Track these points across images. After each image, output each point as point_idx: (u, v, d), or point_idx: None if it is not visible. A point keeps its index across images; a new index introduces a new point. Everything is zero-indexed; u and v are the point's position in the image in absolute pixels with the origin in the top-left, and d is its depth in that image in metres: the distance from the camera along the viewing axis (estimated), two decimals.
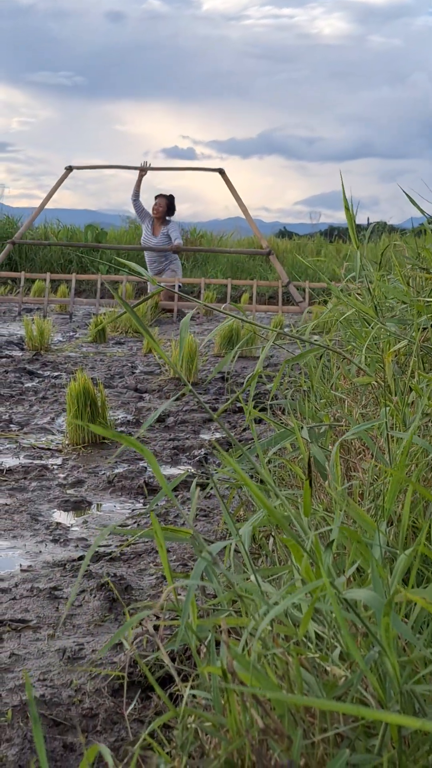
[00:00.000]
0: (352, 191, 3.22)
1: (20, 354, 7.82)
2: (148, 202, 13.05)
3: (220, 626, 1.28)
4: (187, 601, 1.33)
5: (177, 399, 5.76)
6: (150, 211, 12.94)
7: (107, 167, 14.34)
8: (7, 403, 5.46)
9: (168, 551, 2.85)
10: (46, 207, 13.25)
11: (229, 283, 11.83)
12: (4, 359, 7.35)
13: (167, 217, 12.93)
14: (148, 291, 12.28)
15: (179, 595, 2.17)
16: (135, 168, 13.05)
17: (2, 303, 12.51)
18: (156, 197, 12.98)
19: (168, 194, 13.02)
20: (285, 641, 1.31)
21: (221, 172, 12.38)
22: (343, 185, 3.14)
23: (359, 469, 2.38)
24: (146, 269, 11.43)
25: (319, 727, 1.15)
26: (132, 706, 1.84)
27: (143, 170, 12.86)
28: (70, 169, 12.94)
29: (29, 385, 6.21)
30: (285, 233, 27.95)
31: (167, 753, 1.34)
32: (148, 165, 12.88)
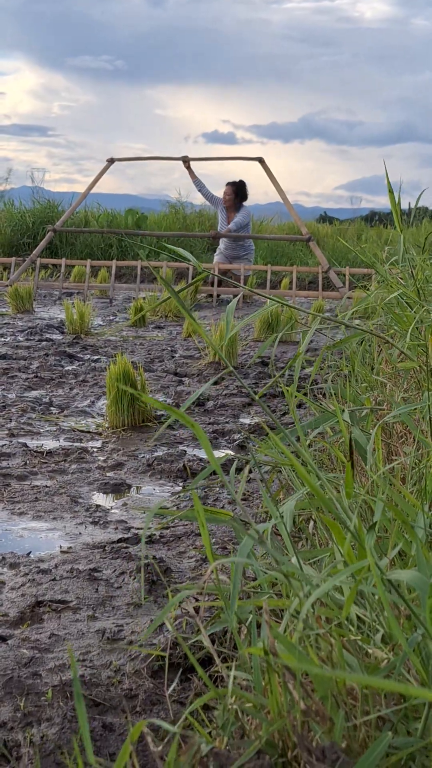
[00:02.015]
0: (393, 176, 3.20)
1: (60, 337, 7.85)
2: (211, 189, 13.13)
3: (261, 607, 1.27)
4: (235, 579, 1.32)
5: (217, 382, 5.75)
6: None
7: (147, 159, 14.37)
8: (48, 386, 5.48)
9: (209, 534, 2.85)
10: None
11: (269, 269, 11.80)
12: (44, 343, 7.38)
13: (241, 203, 12.95)
14: (191, 275, 12.28)
15: (219, 578, 2.17)
16: (174, 159, 13.06)
17: (43, 288, 12.57)
18: (226, 185, 13.01)
19: (237, 181, 13.01)
20: (327, 623, 1.30)
21: (261, 161, 12.35)
22: (386, 169, 3.11)
23: (401, 453, 2.36)
24: (221, 253, 11.41)
25: (361, 709, 1.14)
26: (172, 687, 1.84)
27: (185, 161, 12.87)
28: (111, 161, 12.99)
29: (69, 368, 6.23)
30: (325, 218, 27.82)
31: (208, 733, 1.33)
32: (187, 156, 12.87)
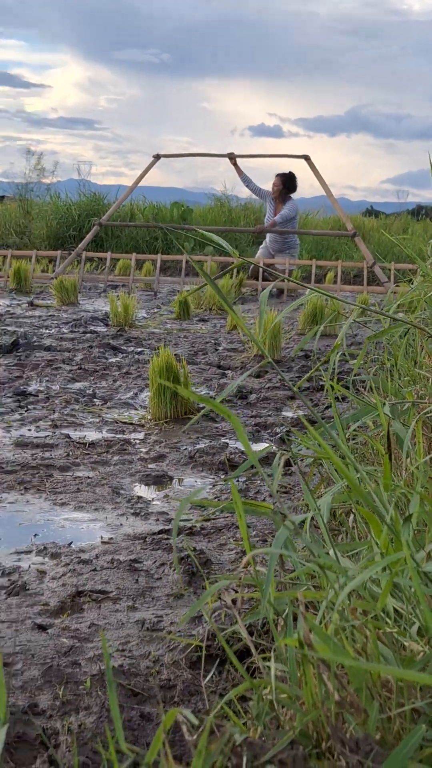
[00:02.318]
0: None
1: (105, 330, 7.89)
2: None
3: (297, 599, 1.27)
4: (270, 570, 1.32)
5: (259, 375, 5.75)
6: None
7: (193, 155, 14.44)
8: (92, 378, 5.51)
9: (248, 527, 2.85)
10: (130, 185, 13.36)
11: (314, 263, 11.77)
12: (89, 335, 7.42)
13: (289, 195, 12.96)
14: (236, 270, 12.30)
15: (258, 570, 2.17)
16: (220, 155, 13.12)
17: (88, 280, 12.64)
18: (275, 176, 13.03)
19: (286, 172, 13.01)
20: (363, 616, 1.30)
21: (307, 158, 12.36)
22: None
23: None
24: (266, 246, 11.44)
25: (396, 701, 1.13)
26: (209, 678, 1.85)
27: (231, 158, 12.89)
28: (158, 157, 13.06)
29: (113, 360, 6.26)
30: (371, 212, 27.68)
31: (243, 723, 1.34)
32: (233, 153, 12.89)
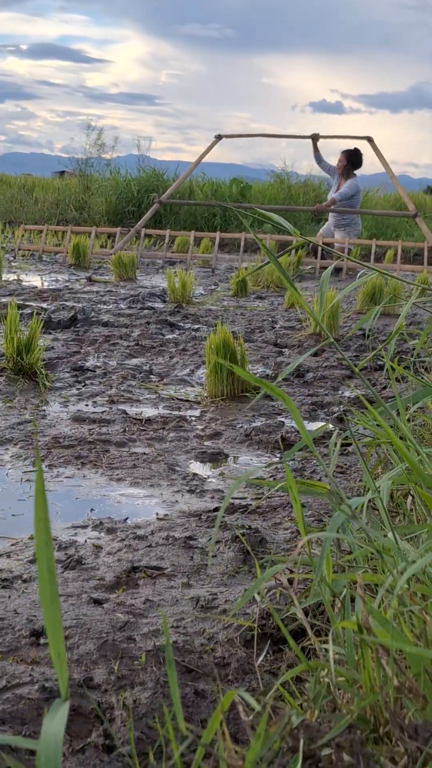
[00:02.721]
0: None
1: (162, 306, 7.90)
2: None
3: (355, 581, 1.25)
4: (323, 555, 1.31)
5: (317, 354, 5.72)
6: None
7: (255, 136, 14.40)
8: (149, 354, 5.52)
9: (304, 506, 2.84)
10: (190, 160, 13.38)
11: (374, 243, 11.69)
12: (146, 311, 7.43)
13: (352, 171, 12.95)
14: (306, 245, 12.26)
15: (314, 550, 2.16)
16: (282, 136, 13.20)
17: (146, 257, 12.67)
18: (341, 153, 13.01)
19: (351, 149, 12.98)
20: (422, 600, 1.28)
21: (370, 140, 12.30)
22: None
23: None
24: (327, 223, 11.44)
25: None
26: (263, 657, 1.84)
27: (315, 139, 12.90)
28: (219, 137, 13.07)
29: (170, 337, 6.26)
30: None
31: (299, 705, 1.33)
32: (317, 134, 12.89)
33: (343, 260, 10.99)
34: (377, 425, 2.28)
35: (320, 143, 12.95)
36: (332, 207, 12.73)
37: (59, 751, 0.72)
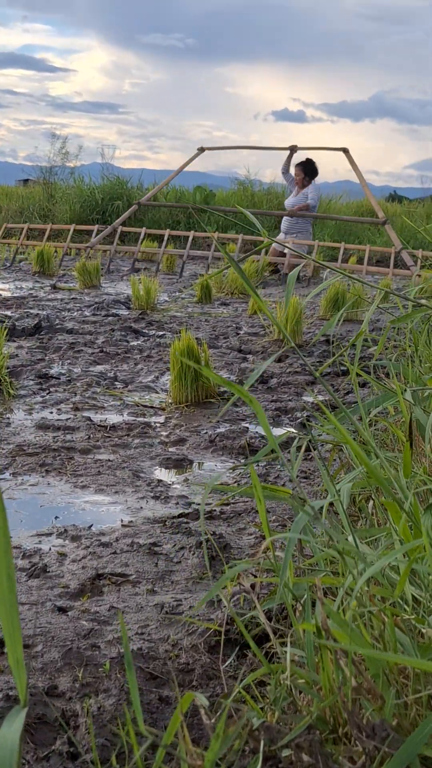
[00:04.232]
0: None
1: (126, 313, 7.89)
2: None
3: (315, 585, 1.27)
4: (287, 557, 1.33)
5: (281, 359, 5.74)
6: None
7: (237, 148, 14.56)
8: (113, 361, 5.52)
9: (268, 511, 2.85)
10: (154, 168, 13.52)
11: (342, 246, 11.77)
12: (111, 318, 7.43)
13: (311, 180, 13.08)
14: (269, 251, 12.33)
15: (277, 553, 2.17)
16: (262, 148, 13.37)
17: (121, 252, 12.88)
18: (295, 167, 13.13)
19: (303, 161, 13.11)
20: (381, 602, 1.30)
21: (345, 151, 12.52)
22: None
23: None
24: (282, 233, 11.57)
25: (413, 688, 1.13)
26: (228, 662, 1.85)
27: (294, 150, 13.07)
28: (202, 149, 13.25)
29: (135, 343, 6.26)
30: (395, 197, 27.57)
31: (261, 708, 1.34)
32: (296, 146, 13.08)
33: (305, 266, 11.07)
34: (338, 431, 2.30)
35: (279, 144, 13.14)
36: (306, 212, 12.84)
37: (15, 758, 0.72)
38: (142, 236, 12.48)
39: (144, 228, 12.71)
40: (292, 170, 13.26)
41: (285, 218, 13.15)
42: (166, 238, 12.09)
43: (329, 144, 12.82)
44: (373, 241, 16.59)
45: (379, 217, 12.34)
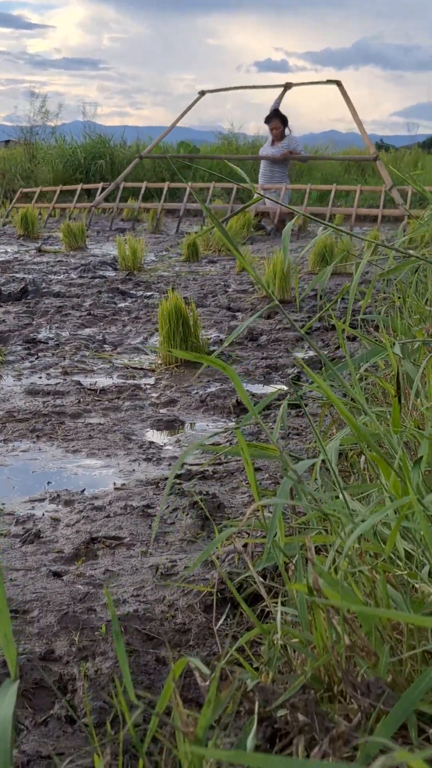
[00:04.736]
0: None
1: (113, 274, 7.86)
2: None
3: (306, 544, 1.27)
4: (274, 520, 1.32)
5: (269, 317, 5.72)
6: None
7: (236, 88, 14.49)
8: (101, 324, 5.50)
9: (260, 469, 2.85)
10: (137, 125, 13.51)
11: (334, 188, 11.77)
12: (97, 280, 7.39)
13: (286, 132, 13.04)
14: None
15: (269, 513, 2.17)
16: (259, 87, 13.37)
17: (122, 207, 12.88)
18: (272, 121, 12.99)
19: (271, 113, 13.02)
20: (374, 559, 1.30)
21: (338, 83, 12.50)
22: None
23: None
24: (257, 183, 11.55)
25: (407, 644, 1.14)
26: (224, 621, 1.86)
27: (288, 87, 13.05)
28: (203, 93, 13.21)
29: (122, 305, 6.24)
30: (381, 145, 27.40)
31: (255, 668, 1.35)
32: (290, 83, 13.07)
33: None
34: (330, 386, 2.30)
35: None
36: (297, 156, 12.86)
37: (8, 732, 0.72)
38: (142, 190, 12.50)
39: (145, 183, 12.71)
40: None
41: (264, 169, 13.10)
42: (165, 191, 12.13)
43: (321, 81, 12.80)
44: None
45: (371, 154, 12.34)
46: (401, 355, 2.20)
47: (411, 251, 4.79)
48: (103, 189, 13.02)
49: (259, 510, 1.50)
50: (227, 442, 3.25)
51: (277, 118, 13.01)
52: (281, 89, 13.20)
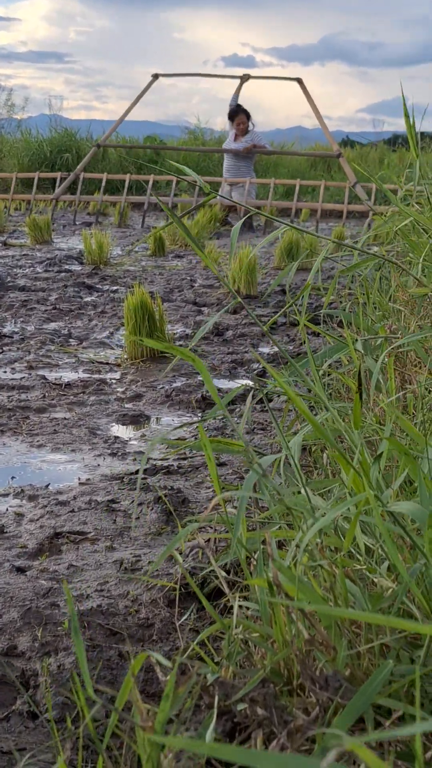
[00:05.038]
0: (414, 98, 3.16)
1: (79, 268, 7.84)
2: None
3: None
4: (239, 515, 1.33)
5: (235, 312, 5.73)
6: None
7: (191, 75, 14.46)
8: (67, 318, 5.49)
9: (225, 464, 2.87)
10: (102, 119, 13.44)
11: (298, 183, 11.84)
12: (63, 274, 7.37)
13: (250, 126, 13.05)
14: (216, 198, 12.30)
15: (231, 510, 2.18)
16: (216, 76, 13.33)
17: (83, 200, 12.82)
18: (238, 117, 12.95)
19: (236, 107, 13.01)
20: (334, 554, 1.31)
21: (299, 81, 12.49)
22: (402, 92, 3.06)
23: (415, 381, 2.35)
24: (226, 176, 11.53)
25: (365, 637, 1.15)
26: (187, 616, 1.87)
27: (245, 79, 13.05)
28: (156, 76, 13.11)
29: (88, 299, 6.23)
30: (347, 142, 27.45)
31: (216, 663, 1.36)
32: (248, 75, 13.05)
33: (258, 216, 11.05)
34: (294, 381, 2.31)
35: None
36: (261, 149, 12.87)
37: None
38: (103, 182, 12.40)
39: (105, 174, 12.62)
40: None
41: (229, 164, 13.09)
42: (126, 183, 12.04)
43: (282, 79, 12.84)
44: (327, 188, 16.58)
45: (334, 150, 12.40)
46: (363, 352, 2.22)
47: (372, 250, 4.82)
48: (62, 179, 12.92)
49: (221, 504, 1.51)
50: (192, 436, 3.26)
51: (242, 114, 13.01)
52: (239, 81, 13.18)
